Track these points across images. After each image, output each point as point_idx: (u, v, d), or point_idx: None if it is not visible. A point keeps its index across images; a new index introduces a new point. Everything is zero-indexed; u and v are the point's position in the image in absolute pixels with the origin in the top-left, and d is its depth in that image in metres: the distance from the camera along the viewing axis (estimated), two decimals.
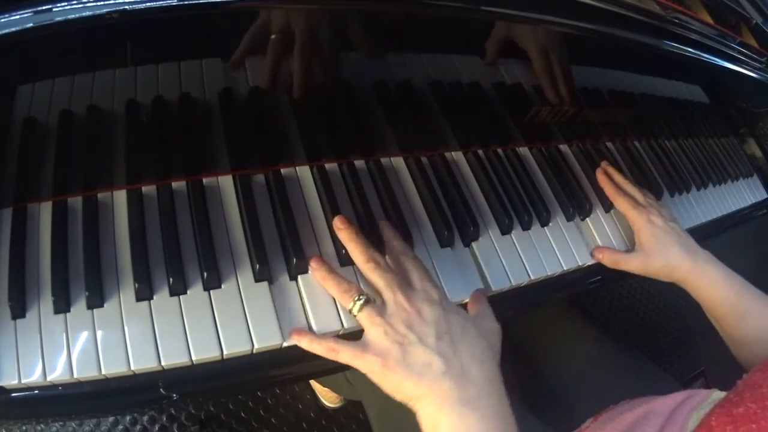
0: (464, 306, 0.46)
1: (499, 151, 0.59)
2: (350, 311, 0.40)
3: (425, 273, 0.43)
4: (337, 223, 0.44)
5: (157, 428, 0.94)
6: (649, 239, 0.57)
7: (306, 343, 0.40)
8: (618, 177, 0.63)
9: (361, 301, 0.39)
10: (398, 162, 0.53)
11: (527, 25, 0.47)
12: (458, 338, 0.39)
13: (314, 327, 0.41)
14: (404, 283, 0.41)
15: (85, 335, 0.37)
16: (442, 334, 0.38)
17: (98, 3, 0.31)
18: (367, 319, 0.39)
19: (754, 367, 0.40)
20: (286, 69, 0.43)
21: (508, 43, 0.49)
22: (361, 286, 0.42)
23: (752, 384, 0.37)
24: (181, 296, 0.40)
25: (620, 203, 0.60)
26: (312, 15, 0.39)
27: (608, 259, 0.57)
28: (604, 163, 0.65)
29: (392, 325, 0.38)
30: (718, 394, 0.43)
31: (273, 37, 0.38)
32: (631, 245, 0.60)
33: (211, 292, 0.40)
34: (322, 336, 0.40)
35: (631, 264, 0.57)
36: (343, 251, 0.44)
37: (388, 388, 0.38)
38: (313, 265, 0.43)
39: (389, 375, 0.37)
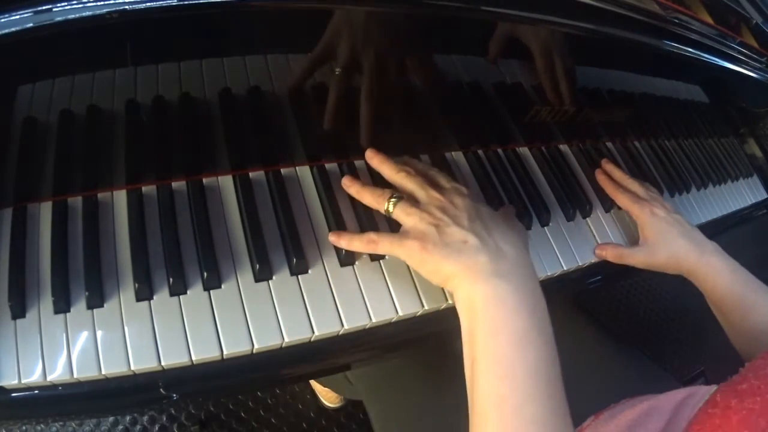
0: None
1: (499, 151, 0.59)
2: (387, 211, 0.43)
3: (453, 177, 0.46)
4: (369, 153, 0.48)
5: (157, 428, 0.94)
6: (654, 232, 0.57)
7: (345, 242, 0.43)
8: (617, 173, 0.63)
9: (395, 199, 0.42)
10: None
11: (527, 25, 0.47)
12: (489, 222, 0.42)
13: (314, 328, 0.41)
14: (436, 183, 0.44)
15: (85, 335, 0.37)
16: (474, 217, 0.41)
17: (98, 3, 0.31)
18: (402, 212, 0.42)
19: (757, 356, 0.40)
20: (288, 71, 0.43)
21: (508, 42, 0.49)
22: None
23: (755, 367, 0.38)
24: (181, 296, 0.40)
25: (621, 200, 0.60)
26: (310, 14, 0.39)
27: (612, 255, 0.57)
28: (604, 161, 0.65)
29: (428, 211, 0.41)
30: None
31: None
32: (632, 244, 0.60)
33: (211, 292, 0.40)
34: (361, 233, 0.43)
35: (636, 258, 0.57)
36: (343, 252, 0.44)
37: (427, 271, 0.40)
38: (346, 182, 0.46)
39: (428, 257, 0.39)
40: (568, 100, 0.57)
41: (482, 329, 0.38)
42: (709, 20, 0.60)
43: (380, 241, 0.41)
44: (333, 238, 0.43)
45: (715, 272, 0.54)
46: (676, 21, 0.54)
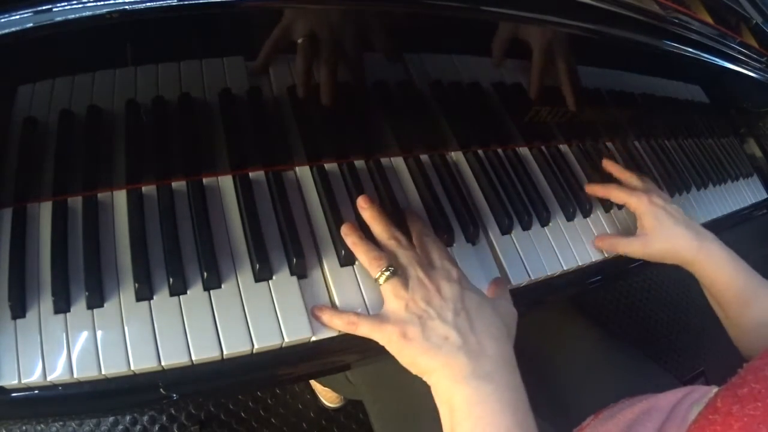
0: None
1: (499, 151, 0.59)
2: (376, 280, 0.41)
3: (445, 253, 0.44)
4: (361, 202, 0.45)
5: (157, 428, 0.94)
6: (651, 221, 0.56)
7: (327, 319, 0.41)
8: (613, 167, 0.63)
9: (389, 273, 0.41)
10: (398, 162, 0.53)
11: (527, 25, 0.47)
12: (474, 315, 0.40)
13: (314, 328, 0.41)
14: (425, 261, 0.42)
15: (85, 335, 0.37)
16: (459, 311, 0.40)
17: (98, 3, 0.31)
18: (391, 291, 0.40)
19: (756, 356, 0.40)
20: (288, 71, 0.43)
21: (512, 43, 0.49)
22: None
23: (755, 369, 0.38)
24: (181, 296, 0.40)
25: (616, 195, 0.59)
26: (310, 14, 0.39)
27: (609, 244, 0.57)
28: (604, 161, 0.64)
29: (413, 299, 0.40)
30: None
31: (300, 41, 0.40)
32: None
33: (211, 292, 0.40)
34: (342, 311, 0.42)
35: (634, 247, 0.56)
36: (343, 252, 0.44)
37: (405, 361, 0.39)
38: (345, 231, 0.44)
39: (407, 347, 0.38)
40: (572, 101, 0.57)
41: (462, 430, 0.36)
42: (709, 20, 0.60)
43: (360, 324, 0.40)
44: (316, 312, 0.42)
45: (716, 263, 0.53)
46: (676, 21, 0.54)
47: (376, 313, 0.41)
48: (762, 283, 0.53)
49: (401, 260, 0.42)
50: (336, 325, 0.41)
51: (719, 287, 0.54)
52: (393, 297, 0.40)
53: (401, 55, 0.47)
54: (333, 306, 0.43)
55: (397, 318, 0.39)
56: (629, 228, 0.61)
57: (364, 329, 0.40)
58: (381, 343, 0.40)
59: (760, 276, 0.54)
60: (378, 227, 0.44)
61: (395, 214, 0.48)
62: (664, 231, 0.55)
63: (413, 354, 0.38)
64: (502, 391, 0.37)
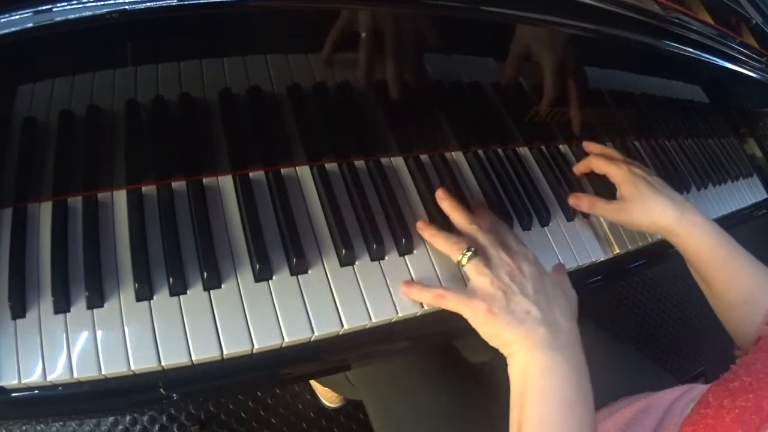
0: None
1: (499, 151, 0.59)
2: (459, 263, 0.44)
3: (519, 239, 0.47)
4: (440, 193, 0.48)
5: (157, 428, 0.94)
6: (631, 189, 0.55)
7: (416, 293, 0.44)
8: (594, 146, 0.63)
9: (470, 253, 0.43)
10: (398, 162, 0.53)
11: (527, 25, 0.47)
12: (551, 294, 0.44)
13: (314, 328, 0.41)
14: (504, 244, 0.45)
15: (85, 335, 0.37)
16: (538, 288, 0.43)
17: (98, 3, 0.31)
18: (474, 270, 0.43)
19: (749, 351, 0.40)
20: (290, 69, 0.43)
21: (508, 43, 0.49)
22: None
23: (746, 363, 0.38)
24: (181, 296, 0.40)
25: (597, 164, 0.59)
26: (310, 14, 0.39)
27: (586, 204, 0.56)
28: (584, 143, 0.64)
29: (498, 275, 0.42)
30: None
31: (364, 36, 0.41)
32: (633, 245, 0.60)
33: (211, 292, 0.40)
34: (430, 286, 0.44)
35: (610, 210, 0.55)
36: (343, 251, 0.44)
37: (487, 333, 0.42)
38: (421, 226, 0.47)
39: (492, 320, 0.41)
40: (575, 104, 0.57)
41: (532, 395, 0.40)
42: (709, 20, 0.60)
43: (448, 298, 0.43)
44: (404, 289, 0.45)
45: (699, 233, 0.52)
46: (676, 21, 0.54)
47: (463, 289, 0.43)
48: (744, 254, 0.52)
49: (482, 242, 0.45)
50: (425, 298, 0.44)
51: (703, 258, 0.53)
52: (477, 275, 0.43)
53: (401, 55, 0.47)
54: (335, 307, 0.43)
55: (483, 293, 0.42)
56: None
57: (452, 303, 0.42)
58: (466, 316, 0.42)
59: (741, 246, 0.53)
60: (458, 215, 0.47)
61: (395, 217, 0.48)
62: (644, 199, 0.54)
63: (498, 326, 0.41)
64: (571, 363, 0.41)
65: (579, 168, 0.62)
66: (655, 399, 0.47)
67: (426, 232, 0.47)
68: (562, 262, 0.54)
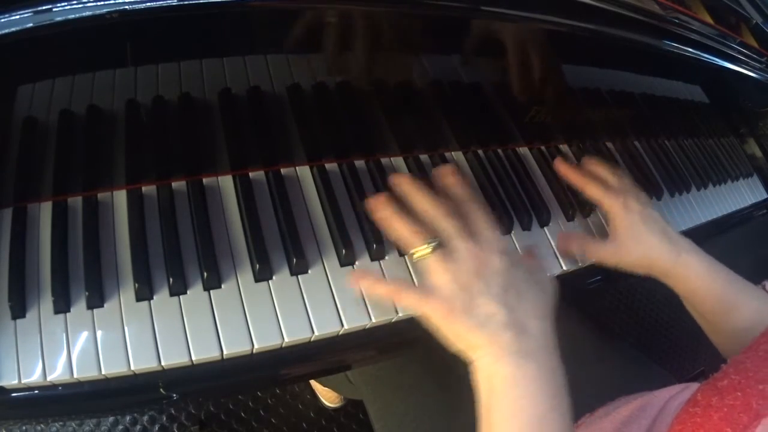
0: None
1: (499, 151, 0.59)
2: (414, 254, 0.39)
3: (492, 221, 0.41)
4: (392, 179, 0.43)
5: (157, 428, 0.94)
6: (625, 228, 0.52)
7: (367, 285, 0.40)
8: (590, 163, 0.59)
9: (434, 244, 0.38)
10: (398, 162, 0.53)
11: (527, 24, 0.47)
12: (522, 291, 0.39)
13: (314, 328, 0.41)
14: (472, 231, 0.40)
15: (85, 335, 0.37)
16: (507, 286, 0.38)
17: (98, 3, 0.31)
18: (435, 264, 0.38)
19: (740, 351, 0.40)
20: (290, 69, 0.43)
21: (487, 42, 0.48)
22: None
23: (736, 362, 0.37)
24: (181, 296, 0.40)
25: (590, 190, 0.55)
26: (310, 14, 0.39)
27: (576, 246, 0.53)
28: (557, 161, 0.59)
29: (462, 271, 0.38)
30: None
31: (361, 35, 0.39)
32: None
33: (211, 292, 0.40)
34: (384, 279, 0.41)
35: (604, 253, 0.52)
36: (344, 251, 0.44)
37: (449, 335, 0.38)
38: (373, 206, 0.41)
39: (453, 322, 0.37)
40: (552, 97, 0.56)
41: (500, 409, 0.36)
42: (709, 20, 0.60)
43: (404, 294, 0.39)
44: (354, 280, 0.40)
45: (694, 275, 0.50)
46: (676, 21, 0.54)
47: (422, 285, 0.39)
48: (742, 289, 0.50)
49: (446, 231, 0.39)
50: (379, 291, 0.40)
51: (698, 299, 0.51)
52: (439, 270, 0.38)
53: (401, 55, 0.47)
54: (335, 307, 0.43)
55: (443, 292, 0.38)
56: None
57: (408, 301, 0.39)
58: (424, 316, 0.38)
59: (741, 280, 0.51)
60: (417, 197, 0.41)
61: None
62: (637, 240, 0.51)
63: (458, 330, 0.37)
64: (542, 372, 0.37)
65: (569, 175, 0.57)
66: (652, 398, 0.47)
67: (378, 214, 0.40)
68: (561, 262, 0.53)
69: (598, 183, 0.55)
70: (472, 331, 0.37)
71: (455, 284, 0.37)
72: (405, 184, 0.42)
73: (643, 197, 0.55)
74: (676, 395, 0.45)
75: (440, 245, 0.39)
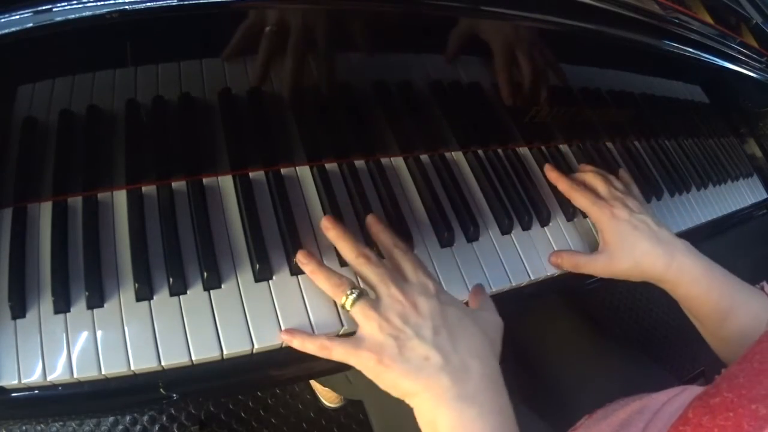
0: (466, 304, 0.46)
1: (499, 151, 0.59)
2: (343, 306, 0.39)
3: (420, 265, 0.41)
4: (325, 223, 0.43)
5: (157, 428, 0.94)
6: (614, 237, 0.51)
7: (298, 343, 0.39)
8: (581, 170, 0.59)
9: (354, 295, 0.38)
10: (398, 162, 0.53)
11: (527, 24, 0.47)
12: (456, 331, 0.38)
13: (315, 327, 0.41)
14: (398, 277, 0.40)
15: (85, 335, 0.37)
16: (439, 328, 0.37)
17: (98, 3, 0.31)
18: (360, 314, 0.38)
19: (734, 362, 0.39)
20: (281, 68, 0.43)
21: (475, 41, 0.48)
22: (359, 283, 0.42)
23: (729, 376, 0.36)
24: (181, 296, 0.40)
25: (578, 200, 0.54)
26: (310, 14, 0.39)
27: (568, 263, 0.52)
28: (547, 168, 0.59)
29: (387, 318, 0.37)
30: None
31: (267, 30, 0.38)
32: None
33: (211, 292, 0.40)
34: (315, 335, 0.40)
35: (596, 266, 0.52)
36: None
37: (384, 385, 0.37)
38: (301, 260, 0.41)
39: (385, 371, 0.36)
40: (552, 97, 0.55)
41: None
42: (709, 20, 0.60)
43: (334, 348, 0.37)
44: (285, 336, 0.39)
45: (688, 279, 0.49)
46: (676, 21, 0.54)
47: (352, 337, 0.38)
48: (739, 291, 0.49)
49: (371, 278, 0.39)
50: (309, 349, 0.39)
51: (694, 303, 0.50)
52: (364, 319, 0.37)
53: (401, 55, 0.47)
54: (335, 307, 0.43)
55: (371, 341, 0.37)
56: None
57: (339, 354, 0.37)
58: (358, 368, 0.37)
59: (739, 282, 0.50)
60: (344, 246, 0.41)
61: (395, 217, 0.48)
62: (628, 249, 0.50)
63: (392, 378, 0.36)
64: (486, 414, 0.35)
65: (557, 181, 0.57)
66: (650, 400, 0.47)
67: (307, 267, 0.41)
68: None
69: (587, 192, 0.55)
70: (408, 377, 0.35)
71: (382, 332, 0.37)
72: (330, 231, 0.42)
73: (633, 203, 0.54)
74: (673, 398, 0.45)
75: (360, 295, 0.38)
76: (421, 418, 0.36)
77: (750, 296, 0.50)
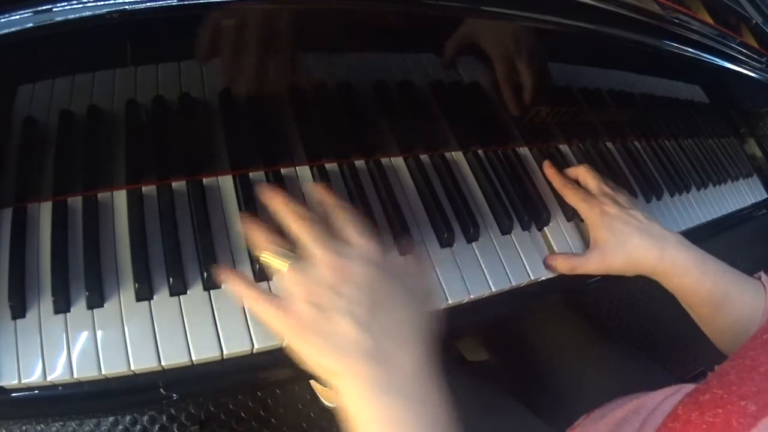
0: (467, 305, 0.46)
1: (499, 151, 0.59)
2: (277, 270, 0.35)
3: (362, 227, 0.36)
4: (266, 192, 0.38)
5: (157, 428, 0.94)
6: (605, 233, 0.51)
7: (233, 284, 0.35)
8: (577, 168, 0.59)
9: (287, 258, 0.34)
10: (398, 162, 0.53)
11: (526, 25, 0.47)
12: (393, 310, 0.33)
13: None
14: (337, 239, 0.35)
15: (85, 335, 0.37)
16: (373, 304, 0.33)
17: (98, 3, 0.31)
18: (291, 279, 0.34)
19: (727, 359, 0.39)
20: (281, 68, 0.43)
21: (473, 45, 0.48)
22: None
23: (721, 372, 0.36)
24: (181, 296, 0.40)
25: (569, 197, 0.55)
26: (310, 14, 0.39)
27: (563, 266, 0.52)
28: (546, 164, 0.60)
29: (318, 286, 0.33)
30: None
31: (268, 30, 0.38)
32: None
33: (211, 291, 0.40)
34: (253, 284, 0.36)
35: (589, 265, 0.52)
36: None
37: (306, 359, 0.33)
38: (247, 225, 0.38)
39: (306, 343, 0.32)
40: (551, 97, 0.56)
41: None
42: (709, 20, 0.60)
43: (260, 303, 0.34)
44: (222, 276, 0.36)
45: (681, 270, 0.50)
46: (676, 21, 0.54)
47: (282, 298, 0.34)
48: (735, 282, 0.50)
49: (307, 239, 0.34)
50: (237, 291, 0.35)
51: (687, 293, 0.51)
52: (294, 285, 0.33)
53: (401, 55, 0.47)
54: None
55: (296, 308, 0.33)
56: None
57: (261, 311, 0.34)
58: (280, 333, 0.34)
59: (733, 271, 0.50)
60: (279, 204, 0.37)
61: (395, 217, 0.48)
62: (619, 244, 0.51)
63: (313, 352, 0.32)
64: (417, 409, 0.31)
65: (552, 178, 0.58)
66: (647, 399, 0.46)
67: (252, 230, 0.37)
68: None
69: (578, 189, 0.55)
70: (327, 355, 0.32)
71: (309, 300, 0.33)
72: (274, 199, 0.37)
73: (624, 199, 0.55)
74: (669, 396, 0.45)
75: (295, 258, 0.34)
76: (347, 405, 0.32)
77: (745, 286, 0.50)
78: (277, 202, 0.37)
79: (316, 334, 0.32)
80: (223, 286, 0.41)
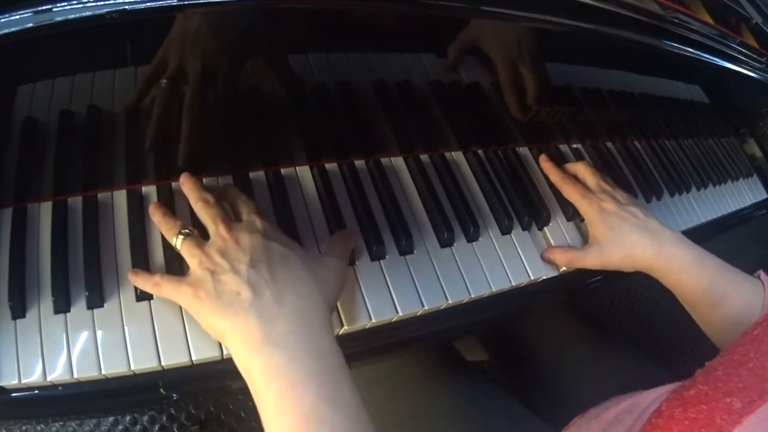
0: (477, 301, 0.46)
1: (499, 151, 0.59)
2: (174, 247, 0.39)
3: (256, 208, 0.41)
4: (183, 177, 0.43)
5: (157, 428, 0.94)
6: (603, 229, 0.52)
7: (141, 283, 0.39)
8: (575, 164, 0.60)
9: (182, 236, 0.38)
10: (398, 162, 0.53)
11: (527, 25, 0.47)
12: (276, 267, 0.36)
13: None
14: (229, 218, 0.40)
15: (85, 335, 0.37)
16: (256, 262, 0.36)
17: (98, 3, 0.31)
18: (186, 252, 0.38)
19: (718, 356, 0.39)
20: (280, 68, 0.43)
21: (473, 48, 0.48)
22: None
23: (708, 369, 0.36)
24: None
25: (568, 192, 0.56)
26: (310, 14, 0.39)
27: (561, 259, 0.53)
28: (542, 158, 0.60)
29: (208, 254, 0.36)
30: None
31: (266, 30, 0.38)
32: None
33: None
34: (151, 274, 0.39)
35: (588, 260, 0.52)
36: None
37: (203, 323, 0.36)
38: (151, 210, 0.41)
39: (200, 307, 0.35)
40: (541, 99, 0.56)
41: (265, 408, 0.32)
42: (709, 20, 0.60)
43: (163, 285, 0.37)
44: (131, 277, 0.39)
45: (679, 267, 0.50)
46: (676, 21, 0.54)
47: (178, 275, 0.38)
48: (732, 279, 0.50)
49: (205, 219, 0.39)
50: (147, 288, 0.38)
51: (685, 290, 0.51)
52: (189, 257, 0.37)
53: (401, 55, 0.47)
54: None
55: (192, 277, 0.36)
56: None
57: (166, 291, 0.37)
58: (182, 305, 0.37)
59: (732, 269, 0.50)
60: (189, 191, 0.42)
61: (395, 217, 0.48)
62: (618, 240, 0.51)
63: (205, 314, 0.35)
64: (300, 359, 0.32)
65: (550, 173, 0.58)
66: (640, 398, 0.46)
67: (155, 216, 0.41)
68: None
69: (577, 185, 0.56)
70: (218, 314, 0.34)
71: (201, 267, 0.36)
72: (186, 183, 0.42)
73: (623, 196, 0.55)
74: (663, 395, 0.45)
75: (188, 235, 0.38)
76: (237, 363, 0.34)
77: (743, 284, 0.50)
78: (186, 188, 0.42)
79: (206, 296, 0.35)
80: None
